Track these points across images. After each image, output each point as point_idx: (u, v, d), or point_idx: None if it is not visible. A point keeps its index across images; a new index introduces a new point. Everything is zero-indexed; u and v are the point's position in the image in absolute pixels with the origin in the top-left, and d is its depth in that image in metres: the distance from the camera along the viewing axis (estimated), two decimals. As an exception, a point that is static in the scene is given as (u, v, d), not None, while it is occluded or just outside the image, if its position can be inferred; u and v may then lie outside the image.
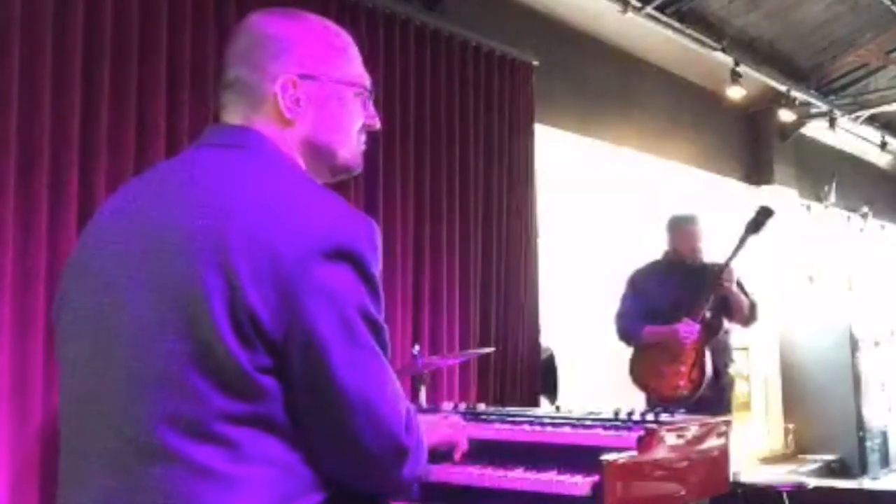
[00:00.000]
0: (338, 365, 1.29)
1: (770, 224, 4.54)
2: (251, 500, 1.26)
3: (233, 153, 1.41)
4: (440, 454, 2.11)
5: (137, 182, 1.51)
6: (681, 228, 4.70)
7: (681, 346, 4.40)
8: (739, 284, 4.57)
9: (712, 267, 4.58)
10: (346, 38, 1.55)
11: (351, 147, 1.54)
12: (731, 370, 4.77)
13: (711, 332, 4.50)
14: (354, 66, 1.54)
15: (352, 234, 1.32)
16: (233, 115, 1.46)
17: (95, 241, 1.44)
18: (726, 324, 4.60)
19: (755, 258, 7.89)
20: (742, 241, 4.47)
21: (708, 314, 4.46)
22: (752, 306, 4.62)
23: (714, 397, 4.41)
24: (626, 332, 4.64)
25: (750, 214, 4.58)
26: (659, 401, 4.13)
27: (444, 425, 1.96)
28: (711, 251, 4.70)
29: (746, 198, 7.96)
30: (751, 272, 5.69)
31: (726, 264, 4.45)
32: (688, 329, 4.38)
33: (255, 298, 1.25)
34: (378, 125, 1.59)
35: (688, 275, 4.59)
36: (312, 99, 1.47)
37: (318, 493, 1.33)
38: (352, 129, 1.53)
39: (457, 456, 2.10)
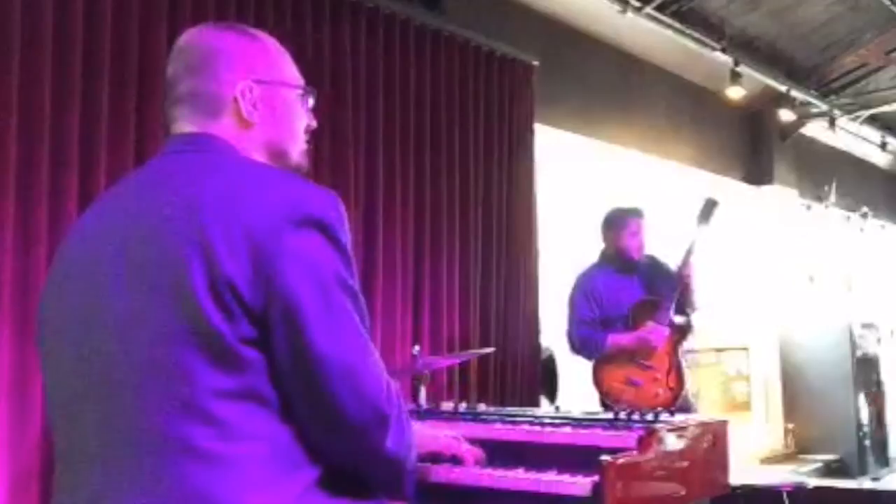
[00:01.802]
0: (316, 330, 1.32)
1: (717, 213, 4.36)
2: (244, 478, 1.28)
3: (196, 155, 1.47)
4: (451, 459, 2.16)
5: (105, 196, 1.58)
6: (626, 223, 4.43)
7: (652, 352, 4.17)
8: None
9: (663, 263, 4.41)
10: (279, 45, 1.62)
11: (300, 146, 1.62)
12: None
13: (683, 333, 4.31)
14: (293, 69, 1.62)
15: (319, 204, 1.38)
16: (188, 126, 1.51)
17: (70, 253, 1.48)
18: (693, 324, 4.39)
19: (754, 258, 7.93)
20: (696, 235, 4.30)
21: (672, 314, 4.25)
22: (696, 297, 4.40)
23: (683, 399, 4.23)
24: (586, 344, 4.35)
25: (698, 207, 4.39)
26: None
27: (443, 437, 2.07)
28: (653, 247, 4.51)
29: (746, 198, 7.97)
30: (752, 272, 5.66)
31: (686, 259, 4.25)
32: (657, 333, 4.16)
33: (232, 270, 1.29)
34: (315, 124, 1.66)
35: (639, 274, 4.40)
36: (266, 102, 1.54)
37: (309, 470, 1.35)
38: (299, 129, 1.61)
39: (469, 466, 2.17)
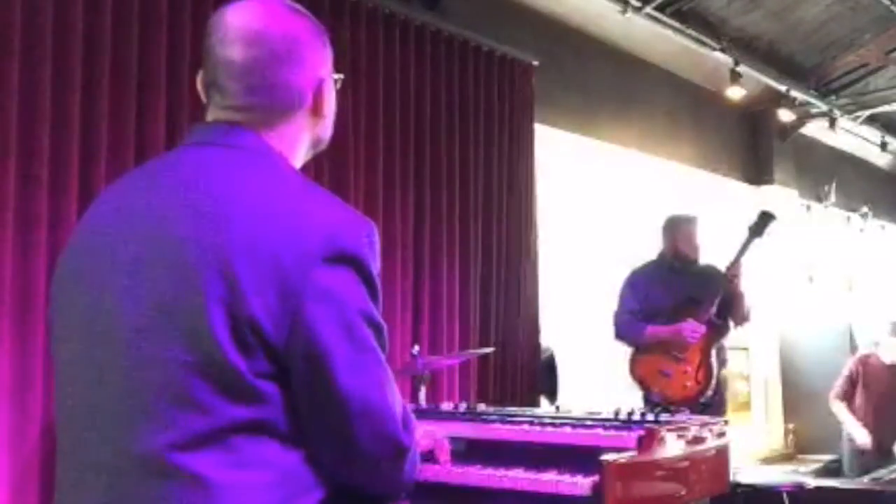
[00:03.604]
0: (339, 370, 1.29)
1: (772, 228, 4.54)
2: None
3: (230, 154, 1.40)
4: (426, 457, 2.13)
5: (128, 182, 1.49)
6: (682, 228, 4.69)
7: (685, 346, 4.37)
8: None
9: (714, 268, 4.58)
10: None
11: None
12: (725, 370, 4.72)
13: (719, 334, 4.49)
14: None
15: (353, 238, 1.33)
16: (256, 116, 1.43)
17: (87, 244, 1.41)
18: (730, 326, 4.58)
19: (755, 258, 7.93)
20: (745, 244, 4.47)
21: (713, 315, 4.43)
22: (749, 308, 4.62)
23: (714, 397, 4.41)
24: (627, 332, 4.59)
25: (752, 218, 4.57)
26: (664, 403, 4.07)
27: (419, 436, 2.01)
28: (709, 252, 4.70)
29: (746, 198, 7.97)
30: (751, 272, 5.65)
31: (735, 263, 4.44)
32: (693, 329, 4.35)
33: (257, 307, 1.25)
34: None
35: (689, 275, 4.59)
36: (328, 93, 1.52)
37: (316, 492, 1.33)
38: None
39: (442, 459, 2.12)
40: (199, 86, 1.51)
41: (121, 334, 1.31)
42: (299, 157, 1.50)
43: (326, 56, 1.51)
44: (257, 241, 1.27)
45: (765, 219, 4.52)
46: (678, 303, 4.49)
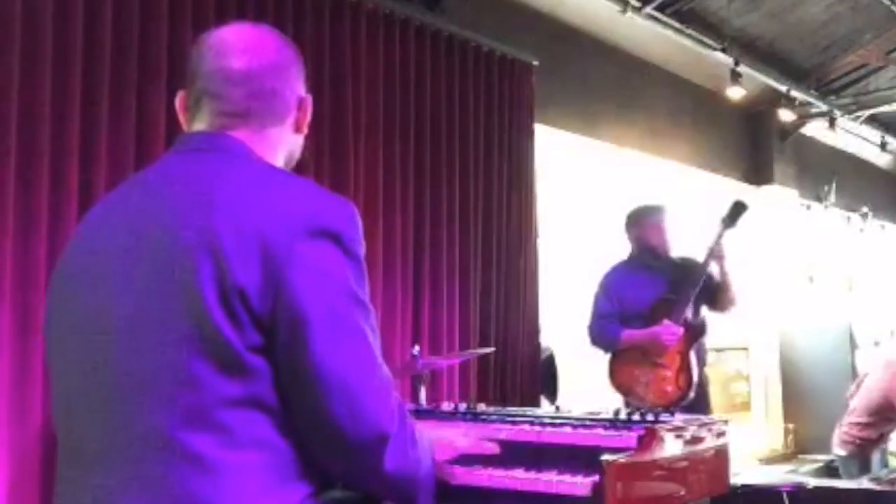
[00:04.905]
0: (318, 342, 1.30)
1: (744, 218, 4.37)
2: (241, 486, 1.28)
3: (216, 156, 1.45)
4: (474, 458, 2.13)
5: (119, 190, 1.55)
6: (647, 220, 4.45)
7: (663, 350, 4.21)
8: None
9: (690, 260, 4.40)
10: None
11: None
12: (705, 368, 4.50)
13: (696, 334, 4.32)
14: None
15: (335, 215, 1.37)
16: (250, 122, 1.49)
17: (81, 248, 1.46)
18: (707, 324, 4.42)
19: (754, 258, 7.93)
20: (719, 235, 4.29)
21: (689, 314, 4.27)
22: (736, 291, 4.40)
23: (695, 397, 4.24)
24: (602, 337, 4.39)
25: (725, 209, 4.39)
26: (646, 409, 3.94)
27: (461, 437, 1.99)
28: (680, 244, 4.49)
29: (746, 198, 7.97)
30: (751, 272, 5.64)
31: (708, 258, 4.24)
32: (670, 332, 4.18)
33: (243, 277, 1.28)
34: None
35: (664, 271, 4.40)
36: (307, 112, 1.59)
37: (307, 483, 1.34)
38: None
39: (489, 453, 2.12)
40: (178, 104, 1.56)
41: (115, 322, 1.34)
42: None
43: (304, 79, 1.60)
44: (243, 219, 1.31)
45: (737, 209, 4.36)
46: (654, 303, 4.30)
